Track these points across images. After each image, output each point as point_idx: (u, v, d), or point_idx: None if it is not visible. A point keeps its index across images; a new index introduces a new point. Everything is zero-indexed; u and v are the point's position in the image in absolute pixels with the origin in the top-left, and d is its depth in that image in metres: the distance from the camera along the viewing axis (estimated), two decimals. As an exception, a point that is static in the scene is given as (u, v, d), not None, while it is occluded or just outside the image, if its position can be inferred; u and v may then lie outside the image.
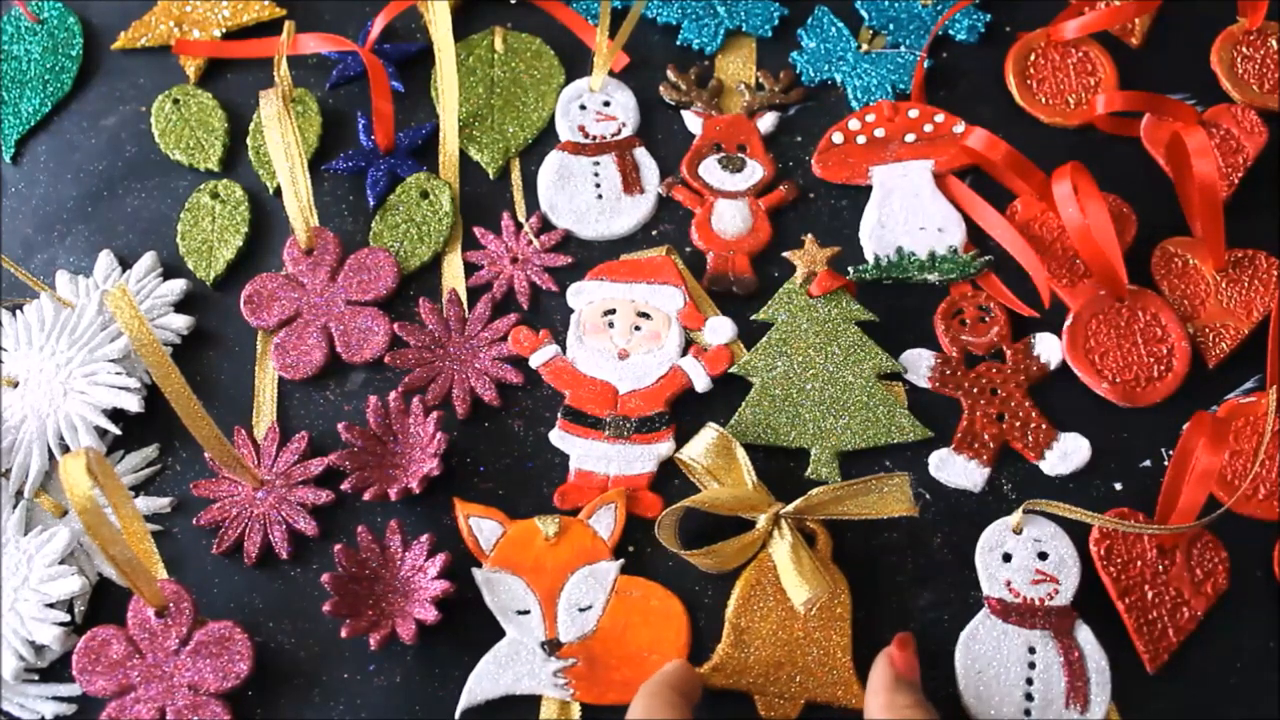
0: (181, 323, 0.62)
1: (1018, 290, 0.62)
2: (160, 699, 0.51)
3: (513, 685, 0.53)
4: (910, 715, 0.47)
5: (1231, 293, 0.62)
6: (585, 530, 0.55)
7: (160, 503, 0.57)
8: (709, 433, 0.56)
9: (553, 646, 0.53)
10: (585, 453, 0.58)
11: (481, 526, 0.55)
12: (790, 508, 0.54)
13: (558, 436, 0.58)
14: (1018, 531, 0.55)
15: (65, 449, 0.58)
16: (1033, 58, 0.70)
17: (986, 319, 0.62)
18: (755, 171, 0.66)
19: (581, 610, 0.54)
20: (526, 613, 0.54)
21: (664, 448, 0.58)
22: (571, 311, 0.62)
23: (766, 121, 0.68)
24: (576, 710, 0.53)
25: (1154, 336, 0.61)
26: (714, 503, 0.54)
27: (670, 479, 0.58)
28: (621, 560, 0.55)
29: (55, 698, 0.53)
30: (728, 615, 0.54)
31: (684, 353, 0.61)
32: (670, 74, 0.70)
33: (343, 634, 0.52)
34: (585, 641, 0.53)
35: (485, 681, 0.53)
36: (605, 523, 0.56)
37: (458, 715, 0.52)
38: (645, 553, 0.56)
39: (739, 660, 0.53)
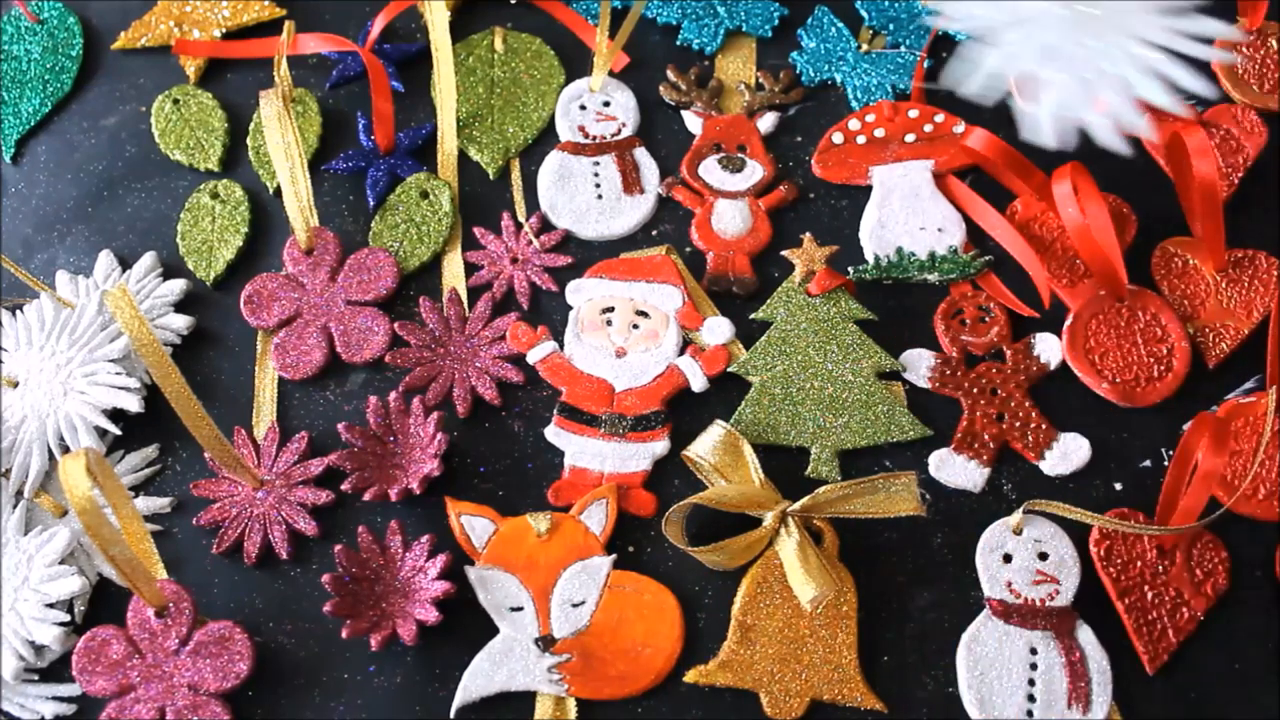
0: (181, 323, 0.62)
1: (1018, 290, 0.62)
2: (160, 699, 0.51)
3: (507, 682, 0.53)
4: None
5: (1231, 293, 0.62)
6: (577, 526, 0.55)
7: (160, 503, 0.57)
8: (717, 430, 0.56)
9: (547, 643, 0.53)
10: (580, 450, 0.58)
11: (473, 524, 0.56)
12: (797, 506, 0.54)
13: (554, 433, 0.58)
14: (1018, 532, 0.55)
15: (65, 449, 0.58)
16: (1033, 58, 0.70)
17: (986, 319, 0.62)
18: (755, 171, 0.66)
19: (575, 606, 0.54)
20: (520, 609, 0.54)
21: (659, 446, 0.58)
22: (571, 311, 0.62)
23: (766, 121, 0.68)
24: (572, 706, 0.53)
25: (1154, 336, 0.61)
26: (721, 500, 0.54)
27: (669, 478, 0.58)
28: (614, 555, 0.55)
29: (55, 698, 0.53)
30: (734, 612, 0.54)
31: (681, 352, 0.61)
32: (670, 74, 0.70)
33: (343, 634, 0.52)
34: (579, 637, 0.53)
35: (480, 679, 0.53)
36: (597, 518, 0.56)
37: (453, 713, 0.52)
38: (645, 552, 0.56)
39: (745, 657, 0.53)
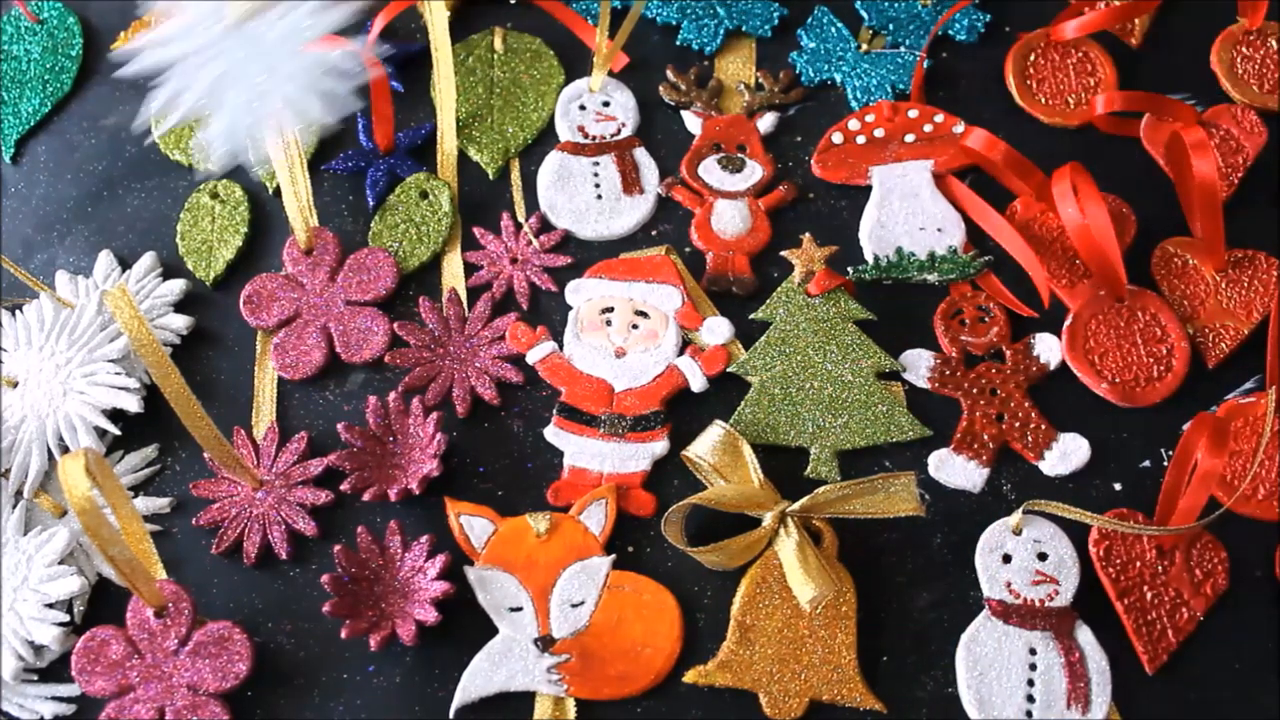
0: (181, 323, 0.62)
1: (1017, 290, 0.62)
2: (159, 699, 0.51)
3: (507, 682, 0.53)
4: None
5: (1231, 293, 0.62)
6: (576, 526, 0.55)
7: (160, 503, 0.57)
8: (716, 430, 0.56)
9: (546, 643, 0.53)
10: (580, 450, 0.58)
11: (473, 524, 0.56)
12: (796, 506, 0.54)
13: (553, 433, 0.58)
14: (1017, 532, 0.55)
15: (65, 449, 0.58)
16: (1033, 58, 0.70)
17: (986, 319, 0.62)
18: (755, 171, 0.66)
19: (574, 606, 0.54)
20: (519, 610, 0.54)
21: (658, 446, 0.58)
22: (570, 311, 0.62)
23: (766, 121, 0.68)
24: (571, 706, 0.53)
25: (1154, 336, 0.61)
26: (720, 500, 0.54)
27: (668, 478, 0.58)
28: (613, 555, 0.55)
29: (55, 698, 0.53)
30: (733, 613, 0.54)
31: (681, 352, 0.61)
32: (670, 74, 0.70)
33: (343, 635, 0.52)
34: (578, 637, 0.53)
35: (479, 679, 0.53)
36: (596, 518, 0.56)
37: (452, 713, 0.52)
38: (645, 552, 0.56)
39: (744, 658, 0.53)
